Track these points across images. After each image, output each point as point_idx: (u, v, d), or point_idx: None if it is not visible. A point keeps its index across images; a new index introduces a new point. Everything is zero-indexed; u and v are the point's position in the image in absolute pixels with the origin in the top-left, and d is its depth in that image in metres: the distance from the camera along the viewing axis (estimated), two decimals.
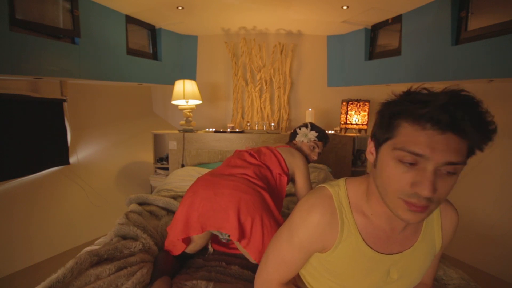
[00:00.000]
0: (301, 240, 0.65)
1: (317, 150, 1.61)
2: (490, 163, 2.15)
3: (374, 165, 0.59)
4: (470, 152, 0.50)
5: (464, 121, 0.46)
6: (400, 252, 0.65)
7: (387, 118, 0.53)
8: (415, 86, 0.54)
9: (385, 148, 0.54)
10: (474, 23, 2.05)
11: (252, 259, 1.17)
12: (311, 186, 1.47)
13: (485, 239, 2.04)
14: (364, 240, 0.63)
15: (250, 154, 1.44)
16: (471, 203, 2.14)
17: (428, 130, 0.48)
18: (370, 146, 0.61)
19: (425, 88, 0.52)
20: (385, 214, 0.62)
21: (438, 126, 0.47)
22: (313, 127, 1.63)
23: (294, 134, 1.66)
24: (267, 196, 1.21)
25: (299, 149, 1.59)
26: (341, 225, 0.63)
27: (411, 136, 0.49)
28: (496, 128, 0.47)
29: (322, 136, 1.62)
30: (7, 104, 1.98)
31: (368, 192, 0.64)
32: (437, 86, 0.52)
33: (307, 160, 1.59)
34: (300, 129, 1.63)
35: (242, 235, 1.12)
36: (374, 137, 0.59)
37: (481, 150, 0.50)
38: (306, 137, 1.59)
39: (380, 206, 0.61)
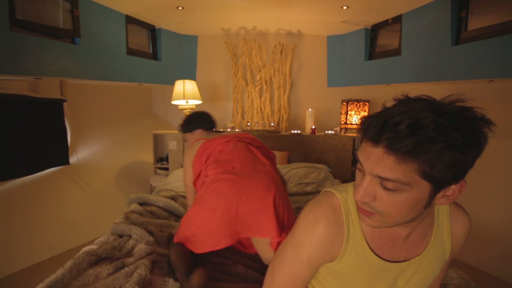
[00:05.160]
0: (309, 255, 0.62)
1: None
2: (490, 163, 2.15)
3: None
4: (427, 177, 0.47)
5: (390, 141, 0.46)
6: (408, 260, 0.63)
7: (361, 132, 0.58)
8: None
9: None
10: (474, 23, 2.05)
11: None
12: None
13: (485, 239, 2.04)
14: (370, 247, 0.62)
15: (254, 145, 1.49)
16: (471, 203, 2.13)
17: (367, 142, 0.51)
18: None
19: (425, 96, 0.51)
20: None
21: (371, 140, 0.50)
22: None
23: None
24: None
25: None
26: (347, 233, 0.62)
27: (363, 145, 0.54)
28: (442, 154, 0.45)
29: None
30: (7, 104, 1.97)
31: None
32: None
33: None
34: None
35: (281, 231, 1.15)
36: None
37: (437, 176, 0.47)
38: None
39: None
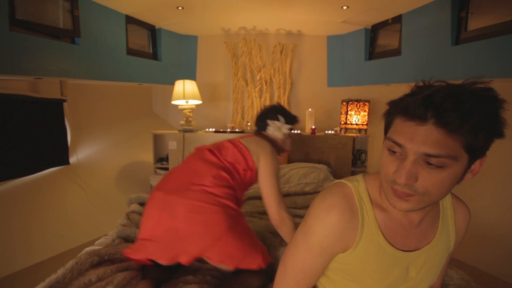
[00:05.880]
0: (321, 243, 0.61)
1: (289, 140, 1.49)
2: (490, 163, 2.15)
3: None
4: (469, 148, 0.49)
5: (440, 114, 0.47)
6: (419, 249, 0.64)
7: (387, 116, 0.58)
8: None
9: (384, 140, 0.58)
10: (474, 23, 2.05)
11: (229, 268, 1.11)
12: (277, 183, 1.27)
13: (485, 239, 2.03)
14: (384, 236, 0.62)
15: (211, 151, 1.29)
16: (471, 203, 2.13)
17: (410, 121, 0.50)
18: None
19: (440, 81, 0.53)
20: None
21: (417, 118, 0.49)
22: (287, 119, 1.45)
23: (263, 124, 1.46)
24: (225, 205, 1.13)
25: (271, 141, 1.44)
26: (361, 221, 0.61)
27: (398, 127, 0.53)
28: (485, 123, 0.48)
29: (293, 125, 1.49)
30: (7, 104, 1.97)
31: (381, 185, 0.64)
32: None
33: (279, 151, 1.47)
34: (274, 122, 1.43)
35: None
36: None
37: (477, 146, 0.49)
38: (279, 131, 1.44)
39: None
